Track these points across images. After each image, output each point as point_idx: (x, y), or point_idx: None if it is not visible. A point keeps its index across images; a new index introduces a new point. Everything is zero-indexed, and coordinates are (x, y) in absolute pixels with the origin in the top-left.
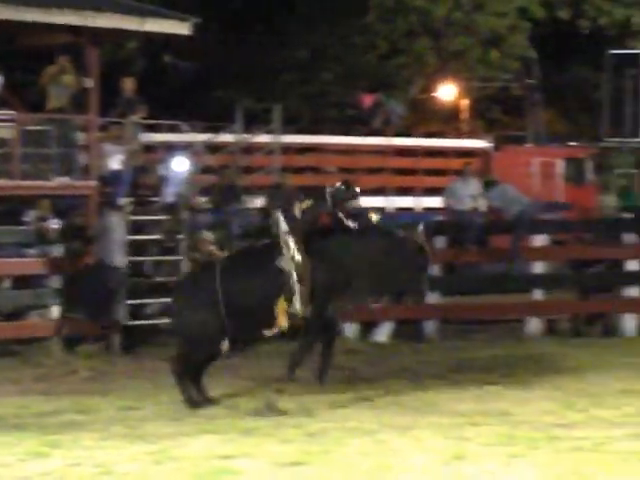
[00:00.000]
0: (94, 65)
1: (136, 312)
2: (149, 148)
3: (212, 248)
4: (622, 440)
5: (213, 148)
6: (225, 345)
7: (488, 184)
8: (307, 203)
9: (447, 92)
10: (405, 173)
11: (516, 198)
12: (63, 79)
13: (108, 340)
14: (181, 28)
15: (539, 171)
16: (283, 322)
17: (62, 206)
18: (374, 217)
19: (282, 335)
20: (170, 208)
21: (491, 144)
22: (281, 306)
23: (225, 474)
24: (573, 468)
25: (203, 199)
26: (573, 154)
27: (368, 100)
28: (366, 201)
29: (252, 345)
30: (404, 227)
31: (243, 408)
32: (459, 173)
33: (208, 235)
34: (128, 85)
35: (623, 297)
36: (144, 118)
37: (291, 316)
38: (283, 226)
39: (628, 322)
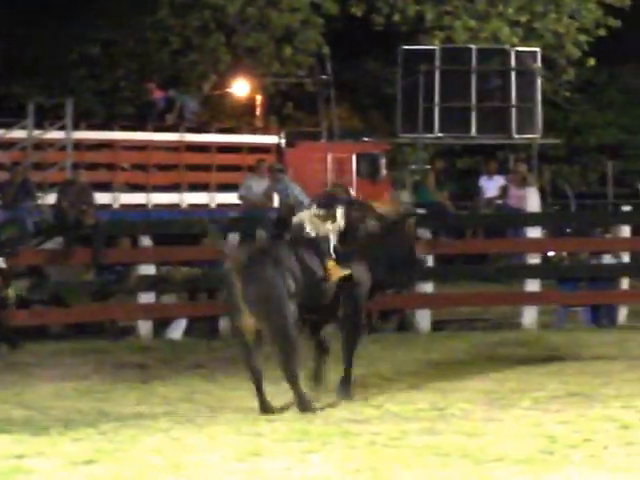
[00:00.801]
0: None
1: None
2: None
3: None
4: (416, 435)
5: (4, 144)
6: None
7: (275, 171)
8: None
9: (241, 88)
10: (199, 169)
11: (298, 193)
12: None
13: None
14: None
15: (333, 167)
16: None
17: None
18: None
19: None
20: None
21: (284, 140)
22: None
23: (18, 473)
24: (368, 463)
25: None
26: (367, 150)
27: (161, 96)
28: (159, 198)
29: None
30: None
31: (38, 407)
32: (253, 169)
33: None
34: None
35: (417, 293)
36: None
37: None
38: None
39: (422, 318)
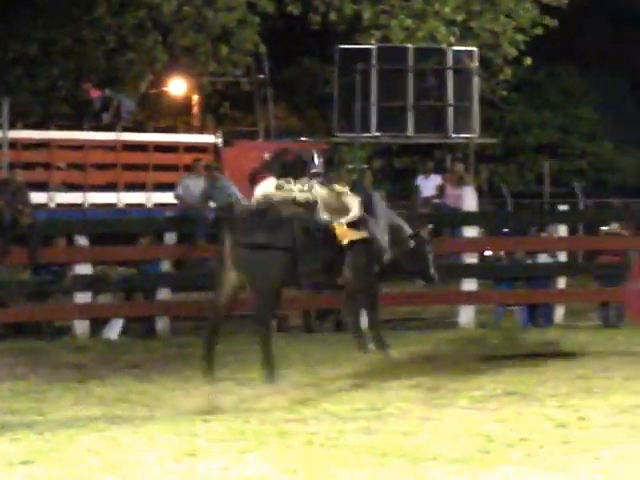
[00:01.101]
0: None
1: None
2: None
3: None
4: (353, 434)
5: None
6: None
7: (212, 170)
8: None
9: (178, 87)
10: (136, 169)
11: (237, 192)
12: None
13: None
14: None
15: None
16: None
17: None
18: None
19: None
20: None
21: (221, 139)
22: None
23: None
24: (305, 463)
25: None
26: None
27: (97, 95)
28: (96, 197)
29: None
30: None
31: None
32: (189, 168)
33: None
34: None
35: None
36: None
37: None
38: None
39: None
